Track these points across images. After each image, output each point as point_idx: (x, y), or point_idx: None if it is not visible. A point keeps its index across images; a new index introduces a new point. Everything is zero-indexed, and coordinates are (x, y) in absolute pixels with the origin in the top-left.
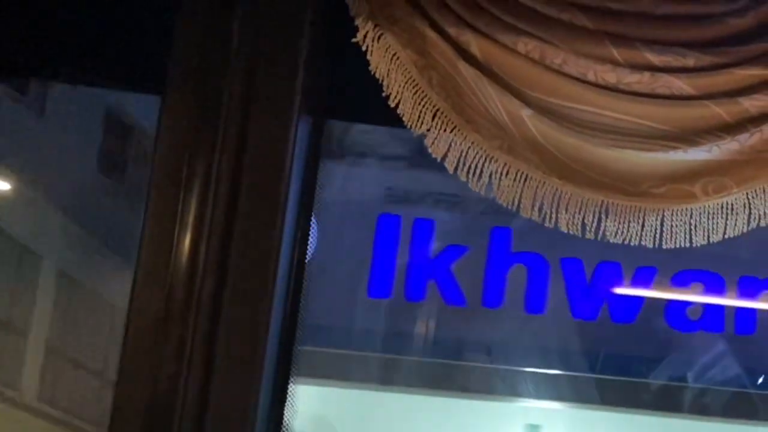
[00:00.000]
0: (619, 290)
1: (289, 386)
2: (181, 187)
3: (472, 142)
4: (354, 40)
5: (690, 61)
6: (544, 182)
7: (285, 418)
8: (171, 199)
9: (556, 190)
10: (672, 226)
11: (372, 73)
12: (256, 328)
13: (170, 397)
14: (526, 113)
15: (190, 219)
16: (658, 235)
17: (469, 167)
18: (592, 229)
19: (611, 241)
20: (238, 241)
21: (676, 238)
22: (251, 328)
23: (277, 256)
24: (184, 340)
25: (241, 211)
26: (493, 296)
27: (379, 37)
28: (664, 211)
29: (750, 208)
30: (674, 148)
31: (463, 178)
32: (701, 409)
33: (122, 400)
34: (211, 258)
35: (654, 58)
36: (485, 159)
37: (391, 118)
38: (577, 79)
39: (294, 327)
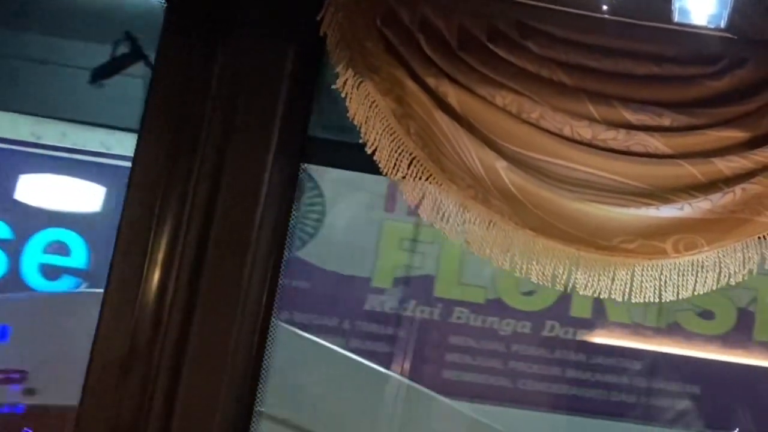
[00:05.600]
0: None
1: (252, 421)
2: (152, 224)
3: (447, 191)
4: (334, 86)
5: (666, 121)
6: (517, 233)
7: None
8: (142, 236)
9: (528, 241)
10: (642, 281)
11: (350, 119)
12: (220, 366)
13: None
14: (500, 165)
15: (160, 256)
16: (627, 290)
17: (443, 215)
18: (562, 281)
19: (581, 293)
20: (207, 280)
21: (646, 293)
22: (215, 366)
23: (246, 297)
24: (148, 376)
25: (211, 251)
26: None
27: (358, 85)
28: (634, 266)
29: (720, 267)
30: (647, 204)
31: (437, 226)
32: None
33: None
34: (179, 296)
35: (630, 116)
36: (459, 208)
37: (367, 165)
38: (554, 134)
39: (258, 369)
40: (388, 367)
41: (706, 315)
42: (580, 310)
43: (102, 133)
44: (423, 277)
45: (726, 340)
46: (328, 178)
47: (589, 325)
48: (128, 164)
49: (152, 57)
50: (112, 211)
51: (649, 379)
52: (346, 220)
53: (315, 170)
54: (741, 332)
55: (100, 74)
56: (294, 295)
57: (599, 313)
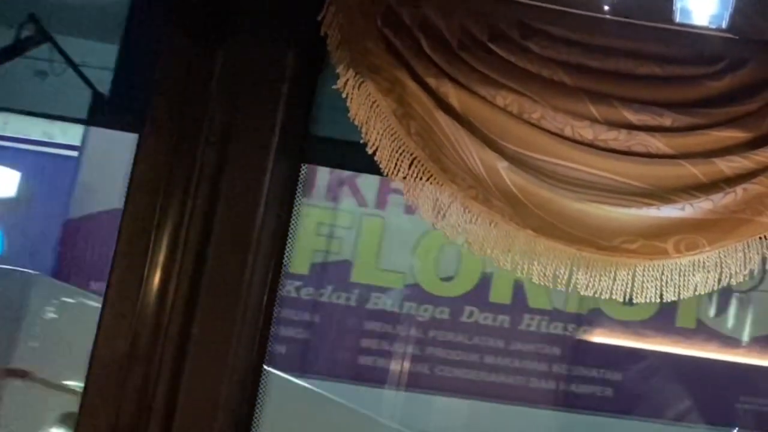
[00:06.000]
0: None
1: (253, 422)
2: (153, 225)
3: (448, 192)
4: (334, 86)
5: (667, 121)
6: (518, 233)
7: None
8: (143, 237)
9: (529, 241)
10: (643, 281)
11: (351, 119)
12: (221, 367)
13: None
14: (501, 165)
15: (161, 258)
16: (629, 290)
17: (444, 216)
18: (563, 281)
19: (582, 293)
20: (207, 281)
21: (647, 293)
22: (216, 367)
23: (246, 299)
24: (148, 379)
25: (212, 251)
26: None
27: (359, 85)
28: (636, 266)
29: (722, 267)
30: (648, 204)
31: (438, 226)
32: None
33: None
34: (180, 296)
35: (631, 116)
36: (460, 208)
37: (368, 165)
38: (554, 134)
39: (259, 369)
40: (304, 353)
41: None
42: (499, 295)
43: (44, 123)
44: (340, 263)
45: (648, 326)
46: None
47: (509, 310)
48: (46, 150)
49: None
50: (26, 196)
51: (570, 365)
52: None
53: None
54: (663, 319)
55: (1, 57)
56: None
57: (520, 299)
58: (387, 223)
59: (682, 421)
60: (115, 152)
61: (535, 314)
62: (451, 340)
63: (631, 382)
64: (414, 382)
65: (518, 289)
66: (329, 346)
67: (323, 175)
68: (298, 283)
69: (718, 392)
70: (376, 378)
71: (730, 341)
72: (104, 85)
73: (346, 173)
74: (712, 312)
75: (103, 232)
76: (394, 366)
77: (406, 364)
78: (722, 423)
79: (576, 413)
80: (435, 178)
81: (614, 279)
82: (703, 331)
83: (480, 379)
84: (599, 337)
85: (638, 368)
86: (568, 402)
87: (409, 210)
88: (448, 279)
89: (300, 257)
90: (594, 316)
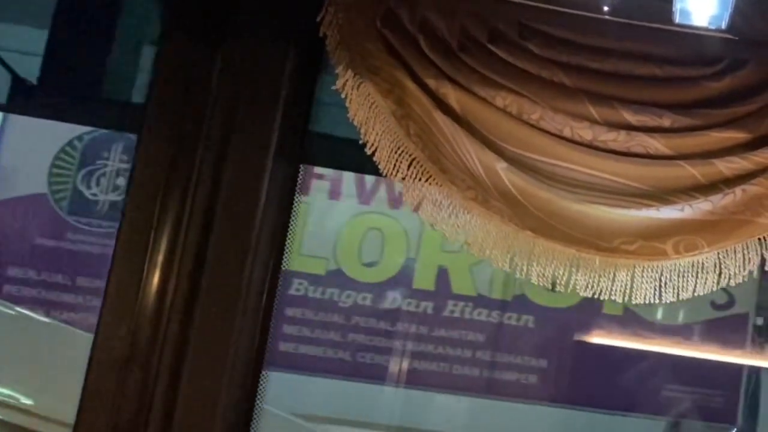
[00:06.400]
0: None
1: (253, 422)
2: (152, 226)
3: (447, 192)
4: (333, 87)
5: (666, 122)
6: (517, 235)
7: None
8: (142, 238)
9: (528, 242)
10: (642, 282)
11: (350, 120)
12: (221, 367)
13: None
14: (501, 166)
15: (160, 258)
16: (627, 291)
17: (443, 217)
18: (563, 282)
19: (581, 294)
20: (207, 281)
21: (646, 294)
22: (215, 367)
23: (246, 300)
24: (147, 377)
25: (211, 253)
26: None
27: (358, 86)
28: (635, 267)
29: (721, 268)
30: (647, 205)
31: (437, 228)
32: None
33: None
34: (179, 297)
35: (631, 117)
36: (459, 209)
37: (366, 166)
38: (554, 135)
39: (258, 370)
40: None
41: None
42: (423, 281)
43: None
44: None
45: (575, 313)
46: None
47: (432, 297)
48: None
49: None
50: None
51: (494, 352)
52: None
53: None
54: (590, 306)
55: None
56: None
57: (443, 285)
58: (310, 209)
59: (608, 409)
60: (33, 138)
61: (459, 300)
62: (373, 326)
63: (556, 369)
64: (335, 369)
65: (442, 274)
66: None
67: None
68: None
69: (645, 380)
70: (297, 364)
71: (658, 329)
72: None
73: None
74: None
75: (19, 218)
76: (315, 352)
77: (328, 351)
78: (649, 411)
79: (500, 400)
80: (434, 179)
81: (613, 280)
82: (630, 319)
83: (402, 366)
84: (524, 323)
85: (564, 355)
86: (490, 389)
87: (333, 195)
88: (372, 265)
89: None
90: (519, 303)
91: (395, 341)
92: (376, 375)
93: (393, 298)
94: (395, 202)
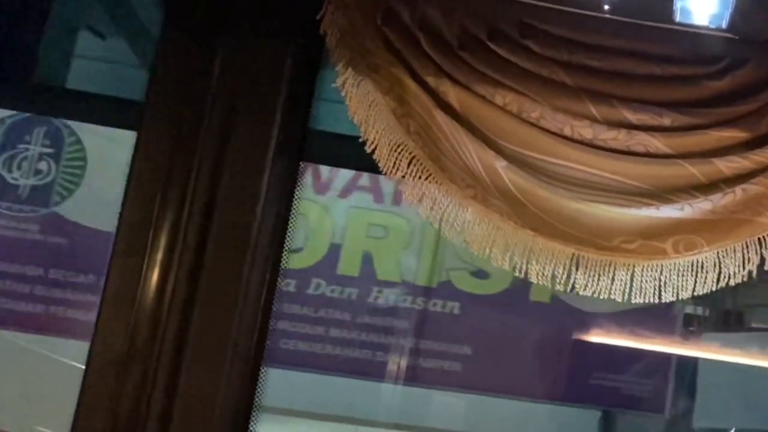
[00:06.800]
0: None
1: (250, 424)
2: (151, 224)
3: (447, 191)
4: (334, 85)
5: (666, 121)
6: (516, 233)
7: None
8: (141, 234)
9: (528, 241)
10: (642, 281)
11: (350, 118)
12: (219, 365)
13: None
14: (500, 165)
15: (159, 255)
16: (627, 290)
17: (443, 215)
18: (562, 281)
19: (580, 293)
20: (206, 279)
21: (646, 293)
22: (214, 365)
23: (245, 298)
24: (146, 375)
25: (211, 249)
26: None
27: (358, 84)
28: (634, 266)
29: (720, 267)
30: (647, 204)
31: (436, 225)
32: None
33: None
34: (178, 295)
35: (631, 116)
36: (458, 207)
37: (366, 163)
38: (554, 134)
39: (257, 368)
40: None
41: (481, 274)
42: (348, 267)
43: None
44: None
45: (501, 300)
46: (90, 132)
47: (357, 283)
48: None
49: None
50: None
51: (418, 339)
52: (107, 175)
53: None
54: (517, 292)
55: None
56: (51, 251)
57: (368, 271)
58: None
59: (534, 397)
60: None
61: (383, 287)
62: (296, 312)
63: (481, 357)
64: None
65: (367, 261)
66: None
67: None
68: None
69: (572, 369)
70: None
71: (586, 317)
72: None
73: None
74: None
75: None
76: None
77: None
78: (576, 401)
79: (423, 388)
80: (434, 177)
81: (613, 279)
82: (558, 306)
83: (325, 353)
84: (450, 310)
85: (489, 343)
86: (413, 377)
87: None
88: (296, 251)
89: None
90: (445, 289)
91: (318, 327)
92: (298, 362)
93: (317, 284)
94: (322, 187)
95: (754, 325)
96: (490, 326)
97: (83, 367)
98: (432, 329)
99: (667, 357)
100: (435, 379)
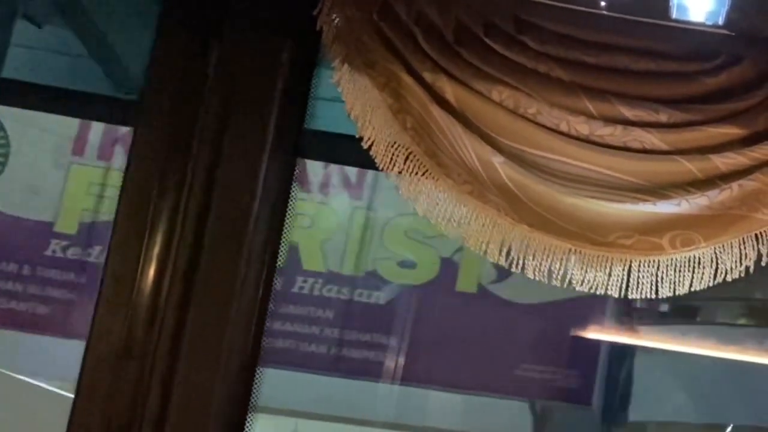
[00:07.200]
0: None
1: (247, 416)
2: (147, 220)
3: (443, 187)
4: (330, 81)
5: (663, 117)
6: (513, 228)
7: None
8: (137, 232)
9: (525, 236)
10: (639, 276)
11: (346, 114)
12: (216, 362)
13: None
14: (497, 160)
15: (155, 253)
16: (624, 285)
17: (440, 211)
18: (559, 277)
19: (577, 289)
20: (202, 275)
21: (643, 288)
22: (210, 361)
23: (241, 296)
24: (143, 372)
25: (207, 247)
26: None
27: (355, 80)
28: (631, 261)
29: (717, 263)
30: (643, 200)
31: (433, 221)
32: None
33: None
34: (175, 291)
35: (627, 112)
36: (455, 203)
37: (363, 159)
38: (550, 129)
39: (254, 366)
40: (68, 313)
41: (408, 264)
42: None
43: None
44: (110, 223)
45: (428, 290)
46: (12, 117)
47: (282, 272)
48: None
49: None
50: None
51: (343, 329)
52: (30, 162)
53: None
54: (443, 282)
55: None
56: None
57: (293, 261)
58: None
59: (460, 388)
60: None
61: (308, 276)
62: None
63: (406, 347)
64: None
65: (293, 250)
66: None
67: (96, 133)
68: (65, 243)
69: (499, 359)
70: None
71: (513, 307)
72: None
73: (121, 131)
74: (493, 277)
75: None
76: None
77: None
78: (501, 391)
79: (348, 379)
80: (430, 173)
81: (609, 274)
82: (484, 296)
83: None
84: (375, 300)
85: (414, 333)
86: (338, 367)
87: None
88: None
89: (68, 216)
90: (371, 279)
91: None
92: None
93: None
94: None
95: (699, 319)
96: (415, 316)
97: None
98: (356, 319)
99: (594, 348)
100: (360, 370)
